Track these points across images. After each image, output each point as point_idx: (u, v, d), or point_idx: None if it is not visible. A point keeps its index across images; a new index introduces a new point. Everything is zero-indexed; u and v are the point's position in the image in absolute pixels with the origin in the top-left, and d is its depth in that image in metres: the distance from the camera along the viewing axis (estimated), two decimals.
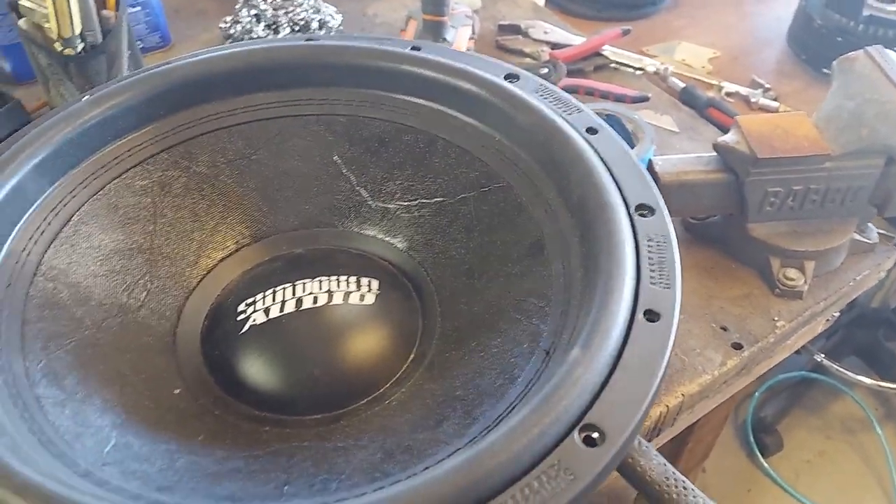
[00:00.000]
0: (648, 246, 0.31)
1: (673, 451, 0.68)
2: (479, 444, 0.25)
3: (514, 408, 0.28)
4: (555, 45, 0.63)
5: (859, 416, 0.95)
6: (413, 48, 0.38)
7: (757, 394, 0.95)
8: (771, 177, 0.47)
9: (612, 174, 0.33)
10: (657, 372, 0.27)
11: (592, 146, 0.34)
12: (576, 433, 0.26)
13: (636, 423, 0.26)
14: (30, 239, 0.32)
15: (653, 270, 0.30)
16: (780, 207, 0.48)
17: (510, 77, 0.37)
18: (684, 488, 0.34)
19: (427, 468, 0.26)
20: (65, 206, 0.34)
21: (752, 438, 0.93)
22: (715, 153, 0.48)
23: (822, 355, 0.82)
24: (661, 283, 0.30)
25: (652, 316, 0.29)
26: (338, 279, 0.35)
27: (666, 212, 0.32)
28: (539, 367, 0.29)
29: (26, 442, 0.26)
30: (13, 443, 0.25)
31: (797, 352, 0.86)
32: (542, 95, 0.36)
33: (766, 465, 0.91)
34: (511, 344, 0.31)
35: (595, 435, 0.26)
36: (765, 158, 0.46)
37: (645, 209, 0.32)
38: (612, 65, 0.62)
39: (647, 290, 0.29)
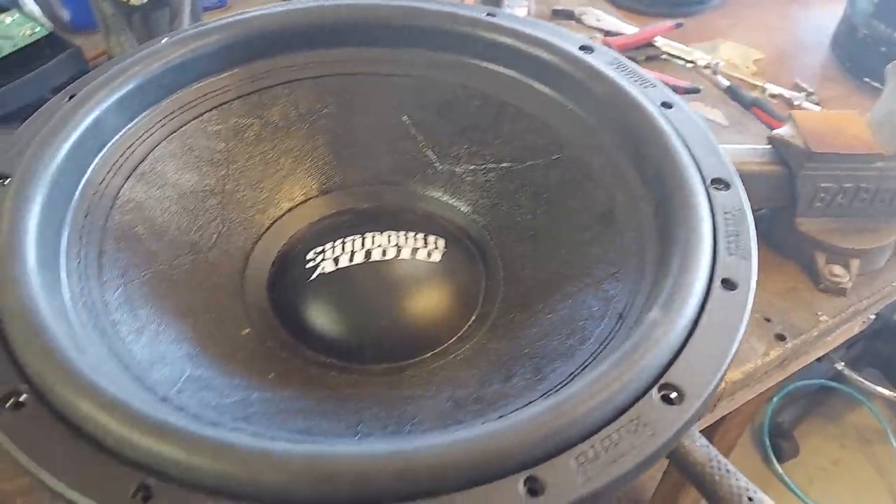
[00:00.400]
0: (725, 218, 0.31)
1: None
2: (562, 393, 0.25)
3: (586, 367, 0.29)
4: (607, 33, 0.64)
5: (876, 426, 0.95)
6: (489, 14, 0.38)
7: (776, 398, 0.95)
8: (823, 172, 0.47)
9: (687, 147, 0.33)
10: (734, 338, 0.28)
11: (668, 120, 0.34)
12: (654, 391, 0.26)
13: (714, 385, 0.27)
14: (108, 172, 0.33)
15: (729, 242, 0.30)
16: (830, 204, 0.48)
17: (585, 48, 0.38)
18: (727, 471, 0.35)
19: (502, 417, 0.26)
20: (142, 142, 0.34)
21: (768, 442, 0.93)
22: (769, 146, 0.49)
23: (843, 364, 0.82)
24: (738, 253, 0.30)
25: (729, 285, 0.29)
26: (406, 235, 0.35)
27: (741, 187, 0.33)
28: (612, 329, 0.30)
29: (107, 365, 0.26)
30: (97, 362, 0.26)
31: (818, 359, 0.87)
32: (617, 68, 0.37)
33: (780, 469, 0.91)
34: (580, 307, 0.32)
35: (673, 395, 0.26)
36: (819, 153, 0.46)
37: (720, 183, 0.32)
38: (663, 56, 0.62)
39: (724, 259, 0.30)
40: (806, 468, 0.93)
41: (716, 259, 0.29)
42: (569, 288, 0.33)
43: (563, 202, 0.36)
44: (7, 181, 0.31)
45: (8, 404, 0.25)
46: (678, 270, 0.28)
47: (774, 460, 0.91)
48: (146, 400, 0.25)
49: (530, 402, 0.27)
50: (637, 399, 0.26)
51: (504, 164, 0.38)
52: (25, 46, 0.52)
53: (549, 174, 0.36)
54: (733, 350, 0.27)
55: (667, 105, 0.35)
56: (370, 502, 0.22)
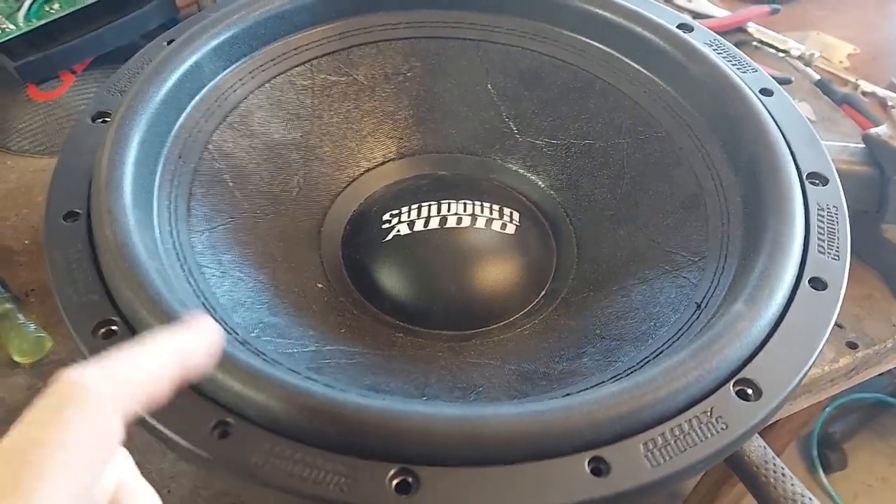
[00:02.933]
0: (819, 215, 0.30)
1: None
2: (637, 377, 0.24)
3: (660, 353, 0.28)
4: (697, 15, 0.61)
5: None
6: None
7: (828, 409, 0.92)
8: None
9: (785, 137, 0.32)
10: (819, 339, 0.27)
11: (766, 107, 0.33)
12: (731, 385, 0.25)
13: (793, 385, 0.26)
14: (201, 117, 0.33)
15: (821, 239, 0.29)
16: None
17: (683, 27, 0.36)
18: (783, 475, 0.34)
19: (569, 395, 0.26)
20: (234, 91, 0.35)
21: (815, 453, 0.90)
22: (862, 145, 0.46)
23: None
24: (829, 253, 0.29)
25: (818, 284, 0.28)
26: (482, 204, 0.35)
27: (839, 184, 0.31)
28: (689, 319, 0.29)
29: (192, 303, 0.27)
30: (183, 301, 0.26)
31: (880, 374, 0.83)
32: (716, 50, 0.35)
33: (825, 481, 0.88)
34: (657, 293, 0.31)
35: (750, 391, 0.25)
36: None
37: (817, 178, 0.31)
38: (755, 43, 0.60)
39: (815, 257, 0.28)
40: (852, 483, 0.90)
41: (806, 256, 0.28)
42: (646, 272, 0.32)
43: (646, 184, 0.35)
44: (107, 119, 0.32)
45: (101, 332, 0.26)
46: (766, 264, 0.27)
47: (821, 471, 0.89)
48: (230, 340, 0.26)
49: (600, 383, 0.27)
50: (713, 391, 0.25)
51: (587, 141, 0.37)
52: None
53: (634, 154, 0.35)
54: (817, 352, 0.27)
55: (766, 92, 0.34)
56: (437, 463, 0.23)
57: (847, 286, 0.48)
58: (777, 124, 0.32)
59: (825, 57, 0.67)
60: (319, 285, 0.33)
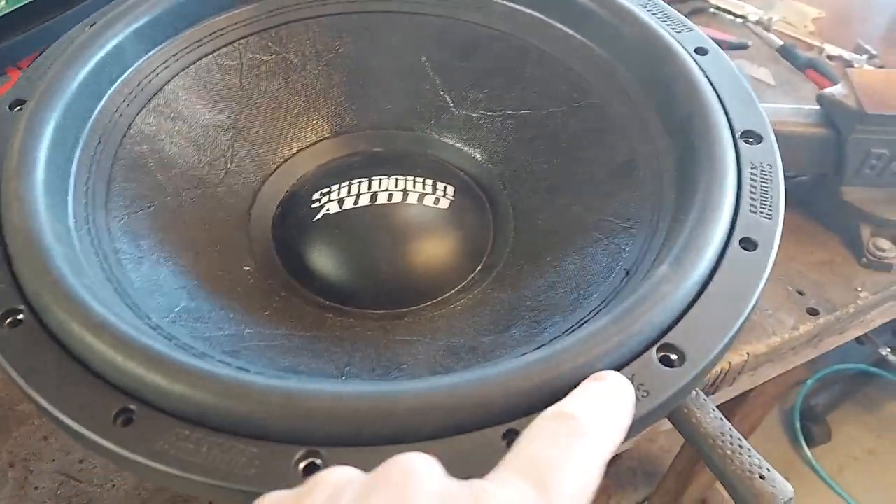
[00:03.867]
0: (752, 174, 0.29)
1: None
2: (554, 346, 0.24)
3: (586, 321, 0.27)
4: None
5: None
6: None
7: (810, 381, 0.91)
8: (877, 136, 0.43)
9: (719, 96, 0.31)
10: (748, 303, 0.26)
11: (700, 67, 0.32)
12: (654, 351, 0.24)
13: (718, 350, 0.25)
14: (122, 101, 0.33)
15: (753, 198, 0.28)
16: (882, 172, 0.45)
17: None
18: (740, 446, 0.33)
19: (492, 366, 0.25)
20: (157, 74, 0.34)
21: (798, 426, 0.90)
22: (817, 106, 0.45)
23: (888, 349, 0.78)
24: (761, 212, 0.28)
25: (748, 244, 0.27)
26: (414, 179, 0.34)
27: (774, 142, 0.30)
28: (617, 286, 0.28)
29: (103, 289, 0.27)
30: (92, 286, 0.26)
31: (861, 343, 0.82)
32: (649, 10, 0.34)
33: (809, 454, 0.88)
34: (589, 261, 0.30)
35: (673, 356, 0.25)
36: (874, 115, 0.42)
37: (751, 136, 0.30)
38: (711, 9, 0.58)
39: (746, 217, 0.28)
40: (837, 455, 0.89)
41: (737, 216, 0.27)
42: (581, 242, 0.31)
43: (582, 152, 0.34)
44: (23, 106, 0.31)
45: (7, 322, 0.25)
46: (694, 226, 0.26)
47: (804, 444, 0.88)
48: (136, 325, 0.25)
49: (524, 354, 0.26)
50: (634, 358, 0.24)
51: (523, 111, 0.36)
52: None
53: (570, 122, 0.35)
54: (745, 314, 0.26)
55: (701, 51, 0.33)
56: (344, 442, 0.22)
57: (808, 251, 0.47)
58: (711, 83, 0.31)
59: (789, 22, 0.65)
60: (246, 268, 0.32)
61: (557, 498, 0.17)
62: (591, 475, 0.19)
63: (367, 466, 0.21)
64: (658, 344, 0.24)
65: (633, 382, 0.24)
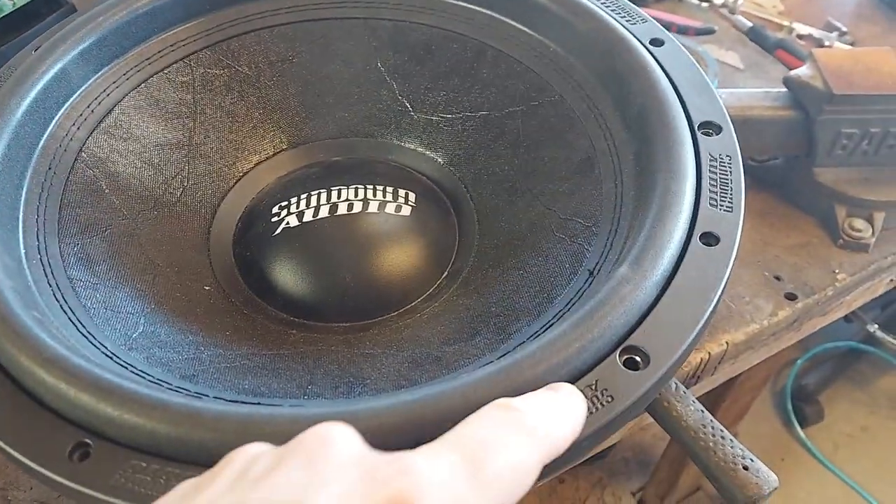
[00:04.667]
0: (711, 166, 0.28)
1: (707, 407, 0.66)
2: (514, 355, 0.23)
3: (550, 326, 0.27)
4: None
5: None
6: None
7: (800, 361, 0.91)
8: (846, 116, 0.43)
9: (676, 88, 0.30)
10: (711, 299, 0.25)
11: (656, 58, 0.31)
12: (617, 354, 0.24)
13: (683, 350, 0.25)
14: (72, 125, 0.32)
15: (713, 192, 0.28)
16: (853, 151, 0.44)
17: None
18: (721, 437, 0.33)
19: (454, 378, 0.25)
20: (107, 95, 0.33)
21: (790, 406, 0.90)
22: (784, 89, 0.45)
23: (876, 326, 0.78)
24: (722, 205, 0.27)
25: (709, 239, 0.27)
26: (374, 188, 0.33)
27: (733, 132, 0.30)
28: (581, 288, 0.28)
29: (56, 319, 0.26)
30: (44, 317, 0.25)
31: (848, 320, 0.82)
32: (604, 4, 0.34)
33: (802, 435, 0.88)
34: (552, 263, 0.30)
35: (638, 358, 0.24)
36: (841, 95, 0.42)
37: (710, 127, 0.30)
38: None
39: (707, 211, 0.27)
40: (831, 434, 0.89)
41: (697, 211, 0.27)
42: (543, 243, 0.31)
43: (542, 151, 0.33)
44: None
45: None
46: (653, 223, 0.26)
47: (797, 425, 0.88)
48: (89, 356, 0.25)
49: (488, 363, 0.26)
50: (598, 362, 0.24)
51: (482, 112, 0.35)
52: (25, 5, 0.52)
53: (530, 121, 0.34)
54: (708, 311, 0.25)
55: (657, 42, 0.32)
56: None
57: (783, 235, 0.47)
58: (668, 75, 0.31)
59: (758, 3, 0.65)
60: (206, 287, 0.31)
61: (486, 479, 0.17)
62: (525, 471, 0.18)
63: None
64: (621, 347, 0.24)
65: (596, 388, 0.24)
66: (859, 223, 0.45)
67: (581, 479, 0.71)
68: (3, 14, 0.51)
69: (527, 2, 0.34)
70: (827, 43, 0.60)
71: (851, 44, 0.60)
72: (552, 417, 0.20)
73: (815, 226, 0.46)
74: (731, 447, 0.32)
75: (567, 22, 0.33)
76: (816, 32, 0.61)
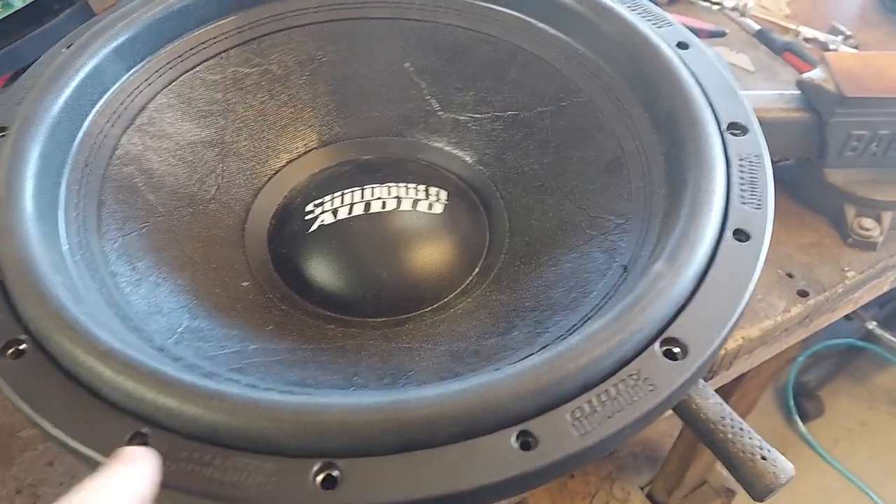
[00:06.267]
0: (740, 165, 0.29)
1: None
2: (558, 346, 0.24)
3: (588, 320, 0.28)
4: None
5: None
6: None
7: (801, 358, 0.93)
8: (857, 118, 0.44)
9: (703, 90, 0.31)
10: (744, 292, 0.26)
11: (683, 61, 0.32)
12: (657, 345, 0.25)
13: (720, 341, 0.26)
14: (106, 122, 0.32)
15: (743, 190, 0.29)
16: (863, 153, 0.46)
17: None
18: (740, 429, 0.34)
19: (499, 370, 0.26)
20: (140, 92, 0.33)
21: (791, 402, 0.91)
22: (797, 91, 0.46)
23: (875, 323, 0.80)
24: (752, 203, 0.28)
25: (741, 236, 0.28)
26: (406, 186, 0.34)
27: (760, 133, 0.31)
28: (616, 282, 0.29)
29: (104, 314, 0.26)
30: (94, 312, 0.26)
31: (848, 318, 0.84)
32: (630, 8, 0.34)
33: (803, 429, 0.89)
34: (585, 259, 0.31)
35: (676, 349, 0.25)
36: (852, 98, 0.43)
37: (737, 128, 0.31)
38: None
39: (738, 209, 0.28)
40: (831, 429, 0.91)
41: (728, 208, 0.28)
42: (574, 240, 0.32)
43: (571, 150, 0.34)
44: (4, 133, 0.31)
45: (9, 352, 0.25)
46: (686, 220, 0.27)
47: (798, 420, 0.90)
48: (142, 349, 0.25)
49: (528, 356, 0.27)
50: (638, 353, 0.25)
51: (511, 112, 0.36)
52: (37, 0, 0.52)
53: (558, 122, 0.35)
54: (743, 304, 0.26)
55: (682, 45, 0.33)
56: (360, 453, 0.22)
57: (796, 234, 0.48)
58: (695, 77, 0.32)
59: (764, 6, 0.66)
60: (244, 283, 0.32)
61: None
62: None
63: (384, 475, 0.21)
64: (660, 339, 0.25)
65: (638, 377, 0.24)
66: (868, 222, 0.46)
67: (591, 473, 0.72)
68: (14, 9, 0.51)
69: (555, 4, 0.34)
70: (832, 46, 0.61)
71: (855, 47, 0.61)
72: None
73: (826, 225, 0.48)
74: (750, 438, 0.33)
75: (594, 25, 0.33)
76: (822, 36, 0.62)
